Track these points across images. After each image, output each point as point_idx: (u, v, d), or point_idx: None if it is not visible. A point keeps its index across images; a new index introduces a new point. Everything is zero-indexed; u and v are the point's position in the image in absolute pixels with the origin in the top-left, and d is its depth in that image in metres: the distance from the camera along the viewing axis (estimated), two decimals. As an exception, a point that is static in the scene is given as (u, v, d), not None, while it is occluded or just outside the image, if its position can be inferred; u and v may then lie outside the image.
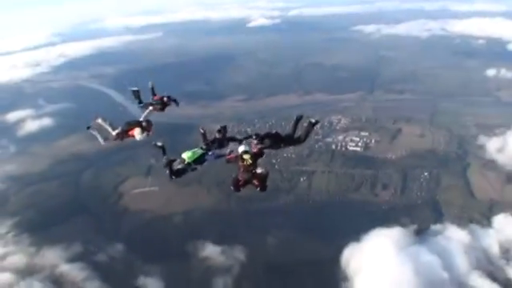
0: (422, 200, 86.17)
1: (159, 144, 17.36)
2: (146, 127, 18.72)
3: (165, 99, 20.72)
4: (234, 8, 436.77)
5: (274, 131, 16.99)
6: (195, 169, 16.52)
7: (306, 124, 17.26)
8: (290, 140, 17.07)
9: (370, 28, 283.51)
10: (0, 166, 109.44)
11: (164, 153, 17.24)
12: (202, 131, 18.05)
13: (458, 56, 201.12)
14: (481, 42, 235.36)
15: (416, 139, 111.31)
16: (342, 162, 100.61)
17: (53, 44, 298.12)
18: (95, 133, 18.73)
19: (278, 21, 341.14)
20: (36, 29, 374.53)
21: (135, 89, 20.72)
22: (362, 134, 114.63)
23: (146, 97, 20.91)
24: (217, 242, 75.47)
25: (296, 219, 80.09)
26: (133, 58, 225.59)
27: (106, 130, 18.65)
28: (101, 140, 18.70)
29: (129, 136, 18.77)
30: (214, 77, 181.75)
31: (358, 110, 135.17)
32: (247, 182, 15.39)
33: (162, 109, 20.89)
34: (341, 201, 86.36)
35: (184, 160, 16.23)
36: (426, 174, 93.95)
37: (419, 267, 65.90)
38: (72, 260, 74.15)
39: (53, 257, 75.07)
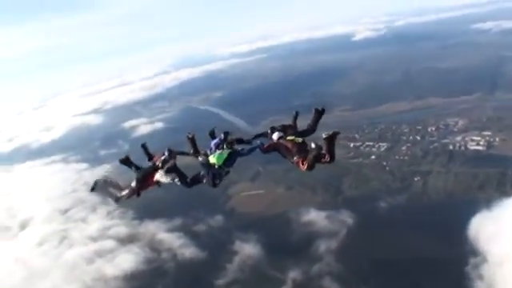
0: None
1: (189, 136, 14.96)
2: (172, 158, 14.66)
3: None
4: (337, 25, 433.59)
5: (287, 123, 15.20)
6: (228, 172, 14.30)
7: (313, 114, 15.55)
8: (303, 131, 15.20)
9: (487, 25, 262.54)
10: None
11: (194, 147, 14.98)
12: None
13: None
14: None
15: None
16: (462, 161, 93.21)
17: (167, 72, 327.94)
18: (103, 193, 15.24)
19: (383, 32, 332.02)
20: (153, 63, 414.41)
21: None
22: (484, 133, 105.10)
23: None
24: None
25: (409, 217, 74.99)
26: (239, 79, 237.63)
27: (114, 190, 15.12)
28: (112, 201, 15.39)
29: (149, 185, 15.02)
30: (321, 90, 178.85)
31: (478, 110, 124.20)
32: (317, 160, 12.93)
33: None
34: (462, 200, 78.93)
35: (214, 164, 13.96)
36: None
37: None
38: (171, 230, 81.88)
39: (153, 228, 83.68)
